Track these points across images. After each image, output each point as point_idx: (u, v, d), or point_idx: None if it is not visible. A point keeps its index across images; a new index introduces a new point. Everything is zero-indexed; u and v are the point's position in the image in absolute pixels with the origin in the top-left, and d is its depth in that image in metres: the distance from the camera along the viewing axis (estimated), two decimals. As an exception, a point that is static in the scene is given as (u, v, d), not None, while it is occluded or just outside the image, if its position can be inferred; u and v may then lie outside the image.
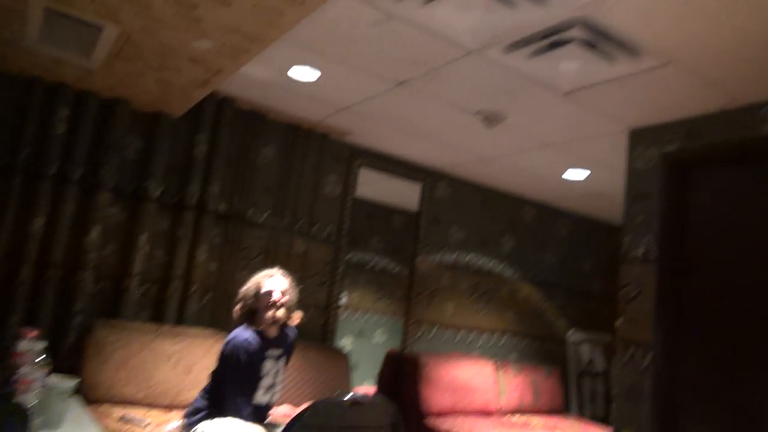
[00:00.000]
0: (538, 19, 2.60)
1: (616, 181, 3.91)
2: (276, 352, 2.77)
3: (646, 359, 3.34)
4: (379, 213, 5.76)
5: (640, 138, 3.71)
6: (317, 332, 4.42)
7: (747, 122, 3.19)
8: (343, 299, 4.80)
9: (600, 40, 2.71)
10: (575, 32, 2.66)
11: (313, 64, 3.38)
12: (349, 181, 4.75)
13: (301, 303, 2.96)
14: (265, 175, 4.27)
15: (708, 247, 3.34)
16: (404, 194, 5.22)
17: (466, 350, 5.30)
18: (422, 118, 4.04)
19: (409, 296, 5.10)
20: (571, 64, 2.93)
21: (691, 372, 3.23)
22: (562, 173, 4.92)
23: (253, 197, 4.20)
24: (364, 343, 5.72)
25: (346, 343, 5.50)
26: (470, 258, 5.48)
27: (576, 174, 4.91)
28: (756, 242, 3.11)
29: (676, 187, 3.48)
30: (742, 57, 2.74)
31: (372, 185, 4.95)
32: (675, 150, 3.51)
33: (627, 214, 3.66)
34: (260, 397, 2.69)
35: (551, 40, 2.76)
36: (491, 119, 3.72)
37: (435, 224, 5.26)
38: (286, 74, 3.55)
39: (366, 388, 4.92)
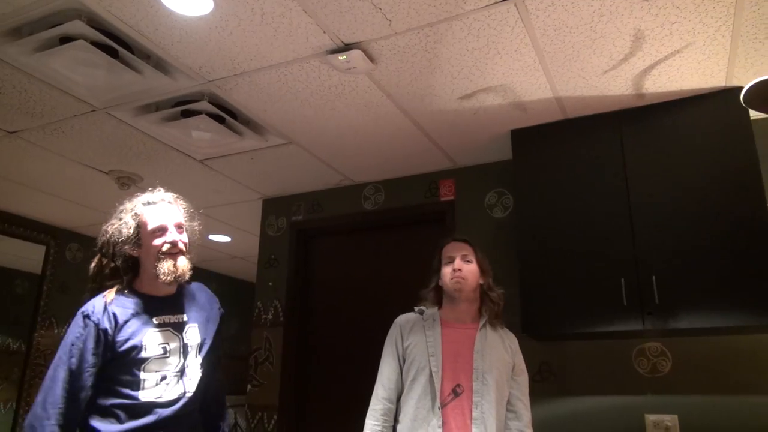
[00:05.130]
0: (165, 87, 2.57)
1: (255, 247, 4.03)
2: (174, 318, 1.89)
3: (272, 423, 3.44)
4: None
5: (272, 207, 3.97)
6: None
7: (355, 198, 3.67)
8: None
9: (228, 115, 2.79)
10: (204, 105, 2.69)
11: None
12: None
13: None
14: None
15: (325, 309, 3.65)
16: (30, 257, 4.56)
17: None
18: (44, 174, 3.62)
19: (23, 378, 4.36)
20: (203, 134, 2.95)
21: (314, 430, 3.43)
22: (206, 236, 4.91)
23: None
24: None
25: None
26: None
27: (219, 238, 5.01)
28: (353, 301, 3.54)
29: (301, 255, 3.78)
30: (349, 145, 3.12)
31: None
32: (301, 220, 3.82)
33: (259, 278, 3.83)
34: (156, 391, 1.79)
35: (181, 109, 2.74)
36: (126, 180, 3.56)
37: (63, 291, 4.70)
38: None
39: None
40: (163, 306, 1.88)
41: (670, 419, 2.54)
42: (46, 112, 2.77)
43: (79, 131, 2.97)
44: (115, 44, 2.21)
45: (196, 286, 2.04)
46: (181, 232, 1.93)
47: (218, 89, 2.55)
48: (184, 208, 2.01)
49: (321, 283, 3.69)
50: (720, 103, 2.49)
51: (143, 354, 1.77)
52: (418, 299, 2.27)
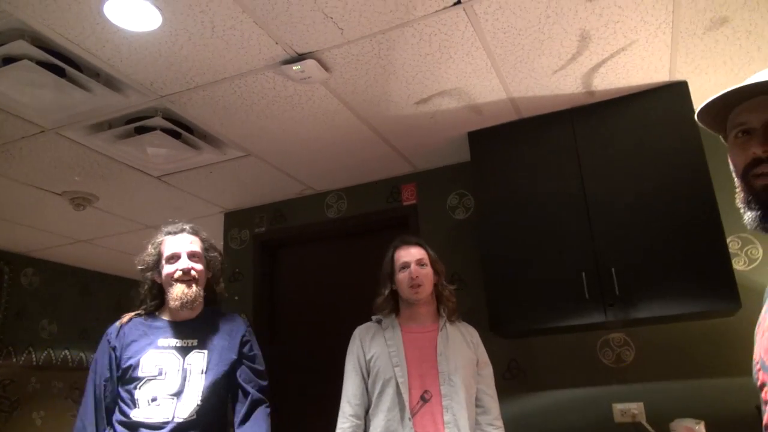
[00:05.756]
0: (117, 104, 2.51)
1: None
2: (182, 342, 1.93)
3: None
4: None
5: (234, 220, 3.92)
6: None
7: (317, 207, 3.65)
8: None
9: (183, 130, 2.74)
10: (158, 121, 2.64)
11: None
12: None
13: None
14: None
15: (293, 320, 3.61)
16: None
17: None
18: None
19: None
20: (158, 150, 2.90)
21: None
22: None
23: None
24: None
25: None
26: (66, 354, 4.85)
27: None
28: (321, 310, 3.51)
29: (266, 267, 3.73)
30: (309, 154, 3.11)
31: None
32: (264, 231, 3.77)
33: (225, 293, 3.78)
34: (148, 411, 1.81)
35: (135, 125, 2.69)
36: (81, 201, 3.48)
37: (20, 318, 4.54)
38: None
39: None
40: (176, 330, 1.94)
41: (636, 407, 2.60)
42: (-8, 133, 2.69)
43: (29, 153, 2.88)
44: (61, 63, 2.16)
45: (229, 317, 2.10)
46: (195, 261, 2.00)
47: (172, 104, 2.52)
48: (203, 239, 2.09)
49: (287, 294, 3.66)
50: (665, 97, 2.57)
51: (138, 373, 1.84)
52: (374, 309, 2.24)
